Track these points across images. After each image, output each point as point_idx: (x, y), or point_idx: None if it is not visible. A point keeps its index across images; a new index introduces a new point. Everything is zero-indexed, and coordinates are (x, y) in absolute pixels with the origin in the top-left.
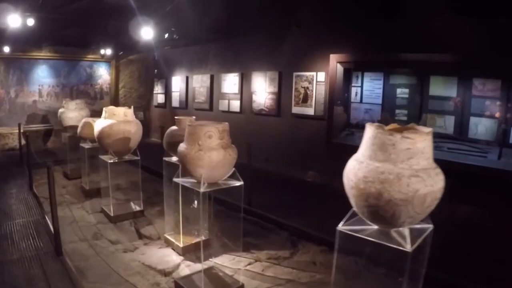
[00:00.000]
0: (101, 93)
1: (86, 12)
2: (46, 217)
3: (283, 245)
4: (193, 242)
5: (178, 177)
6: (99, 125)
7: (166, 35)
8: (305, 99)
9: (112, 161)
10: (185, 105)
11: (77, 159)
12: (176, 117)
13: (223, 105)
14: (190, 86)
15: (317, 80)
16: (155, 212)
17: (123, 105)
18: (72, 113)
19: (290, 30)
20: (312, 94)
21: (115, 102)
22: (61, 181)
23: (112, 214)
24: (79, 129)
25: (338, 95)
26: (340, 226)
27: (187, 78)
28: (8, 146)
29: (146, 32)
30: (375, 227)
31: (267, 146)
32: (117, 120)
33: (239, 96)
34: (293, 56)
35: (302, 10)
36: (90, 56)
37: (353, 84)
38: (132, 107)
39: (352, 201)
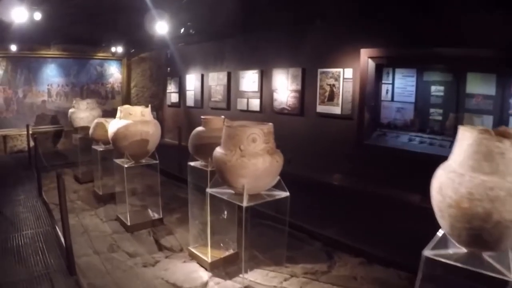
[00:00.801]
0: (112, 93)
1: (96, 6)
2: (57, 227)
3: (318, 257)
4: (222, 256)
5: (212, 186)
6: (113, 126)
7: (182, 30)
8: (331, 97)
9: (128, 165)
10: (201, 104)
11: (88, 162)
12: (202, 117)
13: (241, 103)
14: (205, 85)
15: (344, 77)
16: (175, 220)
17: (136, 104)
18: (83, 113)
19: (313, 24)
20: (339, 92)
21: (127, 102)
22: (72, 185)
23: (129, 223)
24: (91, 130)
25: (370, 93)
26: (427, 251)
27: (202, 76)
28: (17, 148)
29: (161, 27)
30: (463, 250)
31: (290, 147)
32: (134, 120)
33: (258, 94)
34: (317, 52)
35: (327, 1)
36: (101, 54)
37: (383, 81)
38: (149, 106)
39: (446, 221)
